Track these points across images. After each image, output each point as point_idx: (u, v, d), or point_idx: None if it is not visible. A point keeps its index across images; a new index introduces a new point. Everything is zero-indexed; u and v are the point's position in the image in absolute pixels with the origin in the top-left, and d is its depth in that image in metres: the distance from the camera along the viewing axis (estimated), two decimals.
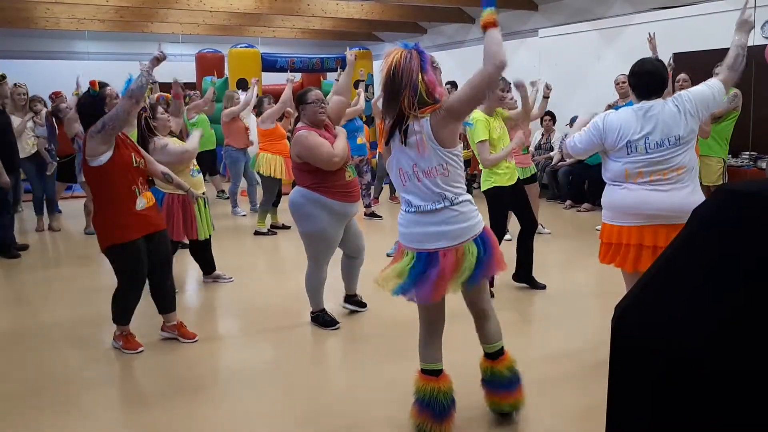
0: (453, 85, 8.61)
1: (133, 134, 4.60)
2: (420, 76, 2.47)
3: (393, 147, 2.62)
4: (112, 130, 3.52)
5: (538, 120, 8.66)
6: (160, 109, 4.78)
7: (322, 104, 3.98)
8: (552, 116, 9.02)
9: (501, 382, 2.77)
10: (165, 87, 8.29)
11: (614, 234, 3.20)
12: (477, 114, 4.43)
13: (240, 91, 9.18)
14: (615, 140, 3.12)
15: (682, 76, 6.16)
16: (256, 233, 7.16)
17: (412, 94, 2.47)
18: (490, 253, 2.58)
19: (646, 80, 3.16)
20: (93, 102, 3.61)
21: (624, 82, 6.66)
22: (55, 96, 8.16)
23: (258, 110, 7.37)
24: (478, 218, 2.62)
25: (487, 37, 2.41)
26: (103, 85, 3.71)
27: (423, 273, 2.55)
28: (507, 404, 2.80)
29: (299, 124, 4.02)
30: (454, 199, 2.56)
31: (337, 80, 5.41)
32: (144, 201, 3.68)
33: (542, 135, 9.32)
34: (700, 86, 3.21)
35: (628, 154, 3.10)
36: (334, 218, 3.95)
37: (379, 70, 2.61)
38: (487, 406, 2.85)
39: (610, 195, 3.22)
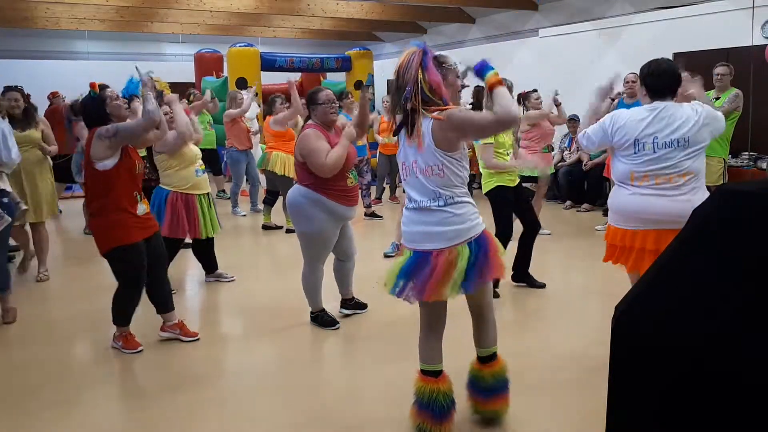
0: (479, 90, 8.55)
1: None
2: (422, 74, 2.50)
3: (401, 140, 2.67)
4: (123, 140, 3.62)
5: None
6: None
7: (333, 104, 3.99)
8: None
9: (485, 387, 2.77)
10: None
11: (618, 236, 3.19)
12: None
13: (243, 91, 9.12)
14: (622, 137, 3.12)
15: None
16: (287, 231, 7.16)
17: (413, 90, 2.51)
18: (485, 258, 2.56)
19: (661, 80, 3.15)
20: (94, 103, 3.69)
21: (634, 81, 6.63)
22: (53, 96, 8.10)
23: (269, 109, 7.26)
24: (477, 221, 2.62)
25: (495, 95, 2.47)
26: (103, 87, 3.77)
27: (415, 272, 2.56)
28: (488, 410, 2.80)
29: (309, 122, 4.02)
30: (449, 200, 2.56)
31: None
32: (144, 207, 3.78)
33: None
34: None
35: (635, 153, 3.09)
36: (332, 220, 3.96)
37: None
38: (471, 409, 2.83)
39: (616, 198, 3.22)
